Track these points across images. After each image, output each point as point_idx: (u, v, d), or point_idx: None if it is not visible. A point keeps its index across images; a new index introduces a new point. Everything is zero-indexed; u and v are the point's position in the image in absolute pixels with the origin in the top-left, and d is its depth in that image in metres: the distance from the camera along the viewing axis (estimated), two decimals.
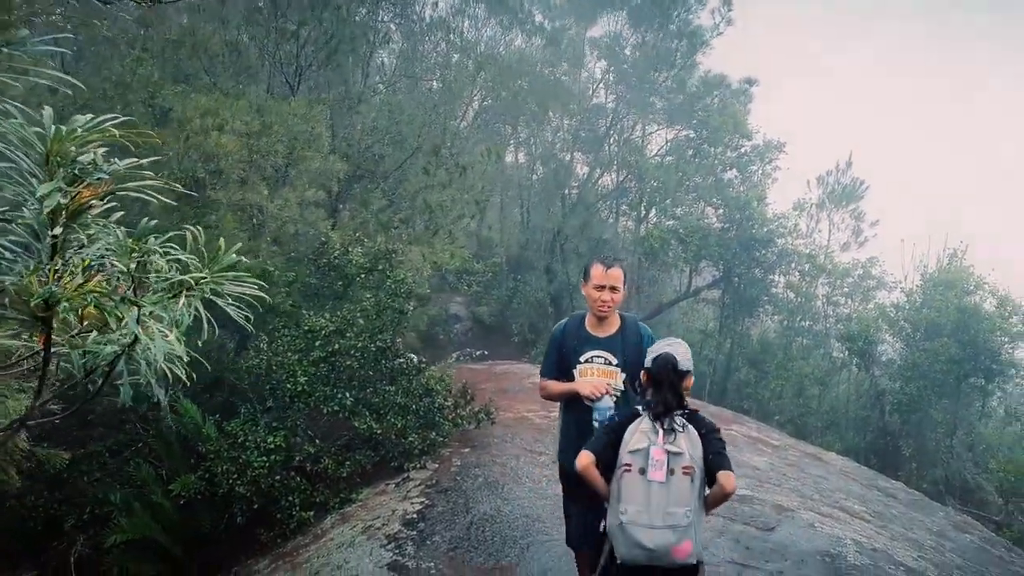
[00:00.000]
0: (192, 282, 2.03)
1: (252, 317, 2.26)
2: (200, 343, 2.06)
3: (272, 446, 7.47)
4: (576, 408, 4.27)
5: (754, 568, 5.64)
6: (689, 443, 3.55)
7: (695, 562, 3.53)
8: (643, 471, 3.53)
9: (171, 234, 2.13)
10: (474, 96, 22.77)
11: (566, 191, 25.69)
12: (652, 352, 3.84)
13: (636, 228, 25.96)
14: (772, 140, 25.18)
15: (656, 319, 24.55)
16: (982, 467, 20.28)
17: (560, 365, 4.38)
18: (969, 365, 20.09)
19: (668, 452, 3.52)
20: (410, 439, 8.16)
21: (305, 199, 10.69)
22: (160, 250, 2.06)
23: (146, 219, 2.05)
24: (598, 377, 4.24)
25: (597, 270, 4.22)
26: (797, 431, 19.73)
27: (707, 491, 3.59)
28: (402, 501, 7.23)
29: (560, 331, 4.47)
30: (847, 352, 23.21)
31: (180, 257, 2.08)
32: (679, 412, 3.64)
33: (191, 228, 2.11)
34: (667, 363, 3.72)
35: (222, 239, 2.09)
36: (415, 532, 6.42)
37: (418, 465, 8.16)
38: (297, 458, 7.76)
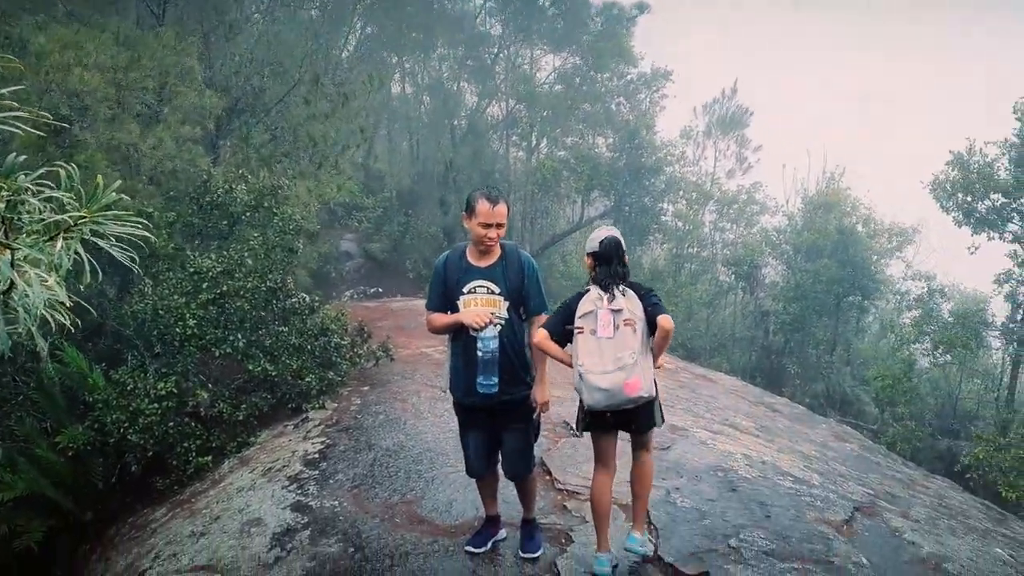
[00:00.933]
0: (71, 222, 1.88)
1: (137, 259, 2.14)
2: (82, 287, 1.93)
3: (163, 392, 7.22)
4: (462, 339, 4.36)
5: (653, 486, 5.82)
6: (629, 302, 4.29)
7: (647, 396, 4.23)
8: (594, 332, 4.27)
9: (42, 170, 1.97)
10: (356, 23, 22.11)
11: (455, 122, 25.36)
12: (596, 237, 4.55)
13: (528, 158, 25.92)
14: (659, 68, 25.37)
15: (550, 249, 24.77)
16: (860, 380, 21.42)
17: (445, 298, 4.43)
18: (847, 284, 21.02)
19: (612, 311, 4.26)
20: (307, 379, 8.04)
21: (181, 136, 10.19)
22: (33, 188, 1.90)
23: (14, 155, 1.89)
24: (482, 307, 4.30)
25: (483, 207, 4.21)
26: (688, 354, 20.37)
27: (651, 340, 4.32)
28: (302, 442, 7.15)
29: (442, 264, 4.50)
30: (733, 276, 23.99)
31: (55, 196, 1.93)
32: (624, 280, 4.44)
33: (64, 165, 1.95)
34: (613, 242, 4.51)
35: (100, 176, 1.94)
36: (317, 472, 6.37)
37: (317, 405, 8.06)
38: (191, 403, 7.54)
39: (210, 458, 7.29)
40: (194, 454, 7.22)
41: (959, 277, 23.55)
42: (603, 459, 4.64)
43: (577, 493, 5.68)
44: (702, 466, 6.40)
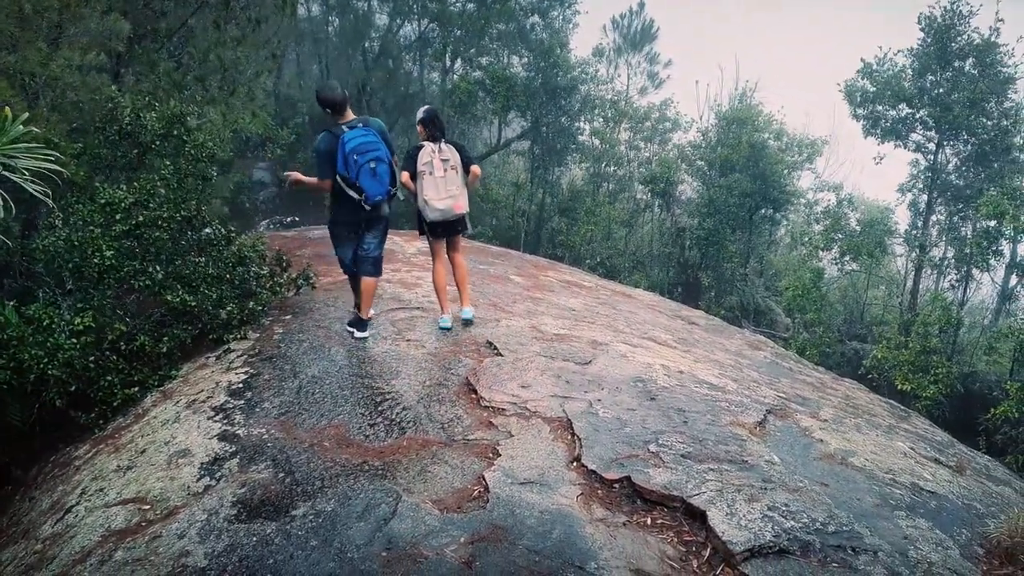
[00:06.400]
0: None
1: (51, 193, 2.10)
2: None
3: (81, 327, 7.06)
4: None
5: (575, 399, 6.00)
6: (451, 153, 7.14)
7: (464, 212, 7.24)
8: (431, 173, 7.03)
9: None
10: None
11: (367, 43, 24.77)
12: (420, 112, 7.32)
13: (442, 80, 25.54)
14: None
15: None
16: (772, 291, 22.14)
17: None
18: (759, 197, 21.50)
19: (442, 160, 7.06)
20: (228, 309, 7.93)
21: (86, 63, 9.74)
22: None
23: None
24: None
25: None
26: (608, 272, 20.69)
27: (467, 178, 7.26)
28: (225, 373, 7.09)
29: None
30: (650, 194, 24.28)
31: None
32: (444, 138, 7.22)
33: None
34: (432, 112, 7.33)
35: (8, 108, 1.88)
36: (242, 401, 6.35)
37: (238, 336, 7.96)
38: (110, 337, 7.39)
39: (136, 390, 7.19)
40: (119, 387, 7.11)
41: (864, 188, 24.36)
42: (438, 255, 7.55)
43: (503, 410, 5.81)
44: (622, 378, 6.59)
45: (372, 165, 6.71)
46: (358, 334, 7.39)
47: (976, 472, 6.26)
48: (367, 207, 6.86)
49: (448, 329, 7.57)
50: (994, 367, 16.28)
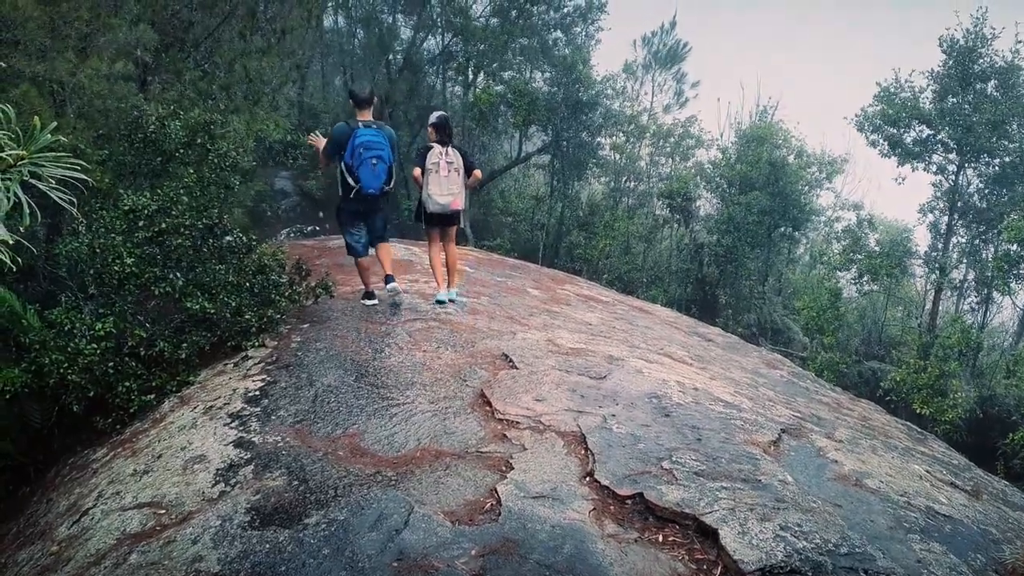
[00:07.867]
0: (11, 161, 1.86)
1: (75, 201, 2.13)
2: (22, 229, 1.92)
3: (102, 333, 7.12)
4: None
5: (589, 414, 6.00)
6: (456, 157, 8.28)
7: (461, 208, 8.46)
8: (437, 172, 8.16)
9: None
10: None
11: (390, 56, 24.92)
12: (432, 116, 8.46)
13: (465, 94, 25.63)
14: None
15: (489, 185, 24.68)
16: (790, 309, 22.02)
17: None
18: (778, 215, 21.42)
19: (447, 162, 8.18)
20: (247, 317, 7.98)
21: (114, 72, 9.86)
22: None
23: None
24: None
25: None
26: (625, 287, 20.66)
27: (467, 179, 8.50)
28: (243, 380, 7.13)
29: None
30: (669, 210, 24.23)
31: None
32: (451, 143, 8.37)
33: (3, 105, 1.93)
34: (444, 118, 8.45)
35: (37, 117, 1.92)
36: (259, 409, 6.38)
37: (256, 343, 8.01)
38: (130, 343, 7.45)
39: (153, 396, 7.24)
40: (136, 393, 7.16)
41: (881, 207, 24.25)
42: (434, 241, 8.79)
43: (517, 423, 5.82)
44: (637, 394, 6.59)
45: (374, 162, 7.87)
46: (367, 303, 8.83)
47: (993, 497, 6.21)
48: (363, 195, 8.06)
49: (443, 302, 8.86)
50: (1013, 391, 16.11)
